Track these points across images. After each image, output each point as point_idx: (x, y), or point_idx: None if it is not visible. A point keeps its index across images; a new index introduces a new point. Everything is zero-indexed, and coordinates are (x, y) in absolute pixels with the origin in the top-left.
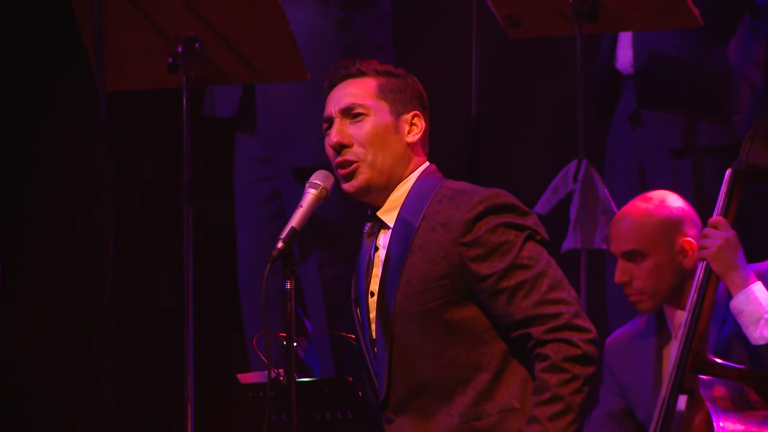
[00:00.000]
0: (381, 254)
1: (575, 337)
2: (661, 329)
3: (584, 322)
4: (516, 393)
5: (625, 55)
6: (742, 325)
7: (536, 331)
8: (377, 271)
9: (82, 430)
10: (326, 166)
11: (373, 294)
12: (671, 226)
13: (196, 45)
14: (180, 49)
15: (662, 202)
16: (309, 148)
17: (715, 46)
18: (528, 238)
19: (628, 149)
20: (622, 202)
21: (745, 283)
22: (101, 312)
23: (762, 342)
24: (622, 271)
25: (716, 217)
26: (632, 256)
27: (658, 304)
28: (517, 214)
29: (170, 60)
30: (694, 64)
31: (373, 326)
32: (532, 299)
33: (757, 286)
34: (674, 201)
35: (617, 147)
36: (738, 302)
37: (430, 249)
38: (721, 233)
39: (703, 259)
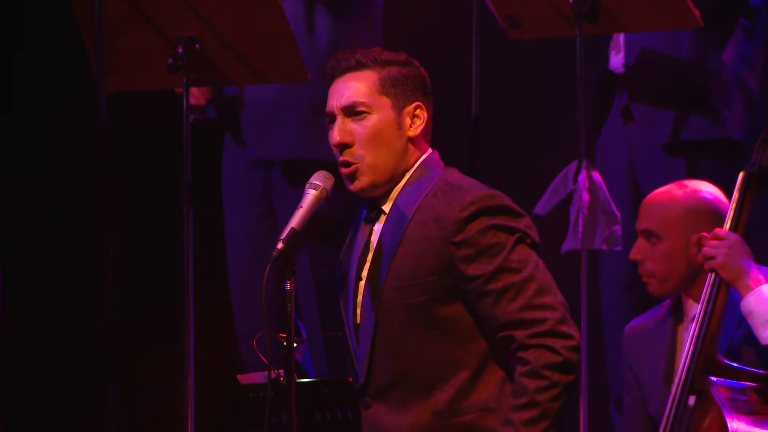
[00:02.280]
0: (374, 240)
1: (558, 343)
2: (676, 318)
3: (569, 328)
4: (493, 393)
5: (616, 54)
6: (752, 326)
7: (520, 334)
8: (370, 257)
9: (82, 430)
10: (306, 160)
11: (361, 278)
12: (693, 216)
13: (197, 46)
14: (180, 50)
15: (695, 192)
16: (289, 141)
17: (708, 46)
18: (518, 242)
19: (618, 149)
20: (613, 200)
21: (755, 285)
22: (101, 312)
23: None
24: (637, 249)
25: (716, 230)
26: (649, 235)
27: (667, 290)
28: (509, 216)
29: (170, 61)
30: (687, 61)
31: (359, 311)
32: (518, 303)
33: (766, 287)
34: (706, 194)
35: (608, 145)
36: (747, 303)
37: (420, 243)
38: (724, 242)
39: (711, 270)
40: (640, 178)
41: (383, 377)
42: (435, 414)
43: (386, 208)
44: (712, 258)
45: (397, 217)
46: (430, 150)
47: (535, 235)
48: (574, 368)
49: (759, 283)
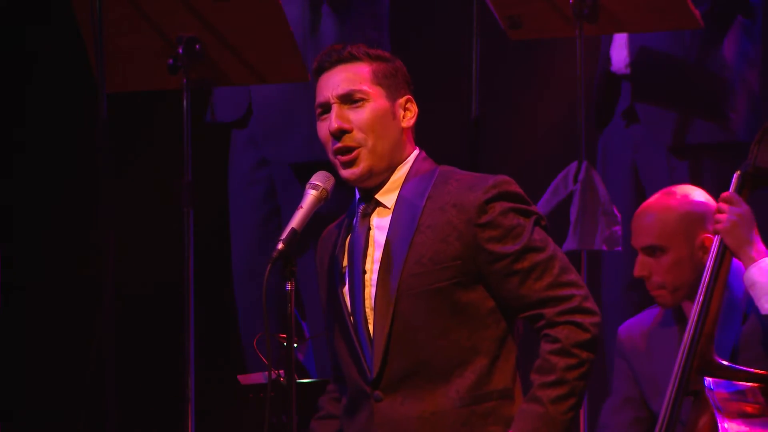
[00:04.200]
0: (375, 233)
1: (586, 320)
2: (679, 321)
3: (592, 305)
4: (509, 382)
5: (619, 55)
6: (754, 297)
7: (549, 312)
8: (371, 251)
9: (82, 430)
10: (320, 162)
11: (365, 272)
12: (692, 221)
13: (197, 46)
14: (180, 51)
15: (685, 196)
16: (302, 143)
17: (709, 45)
18: (536, 223)
19: (621, 148)
20: (615, 201)
21: (759, 257)
22: (101, 312)
23: None
24: (641, 266)
25: (728, 192)
26: (652, 250)
27: (678, 299)
28: (523, 201)
29: (171, 61)
30: (690, 61)
31: (368, 303)
32: (545, 281)
33: None
34: (697, 196)
35: (610, 146)
36: (750, 274)
37: (441, 229)
38: (735, 208)
39: (717, 233)
40: (643, 178)
41: (399, 367)
42: (457, 400)
43: (386, 200)
44: (719, 223)
45: (407, 208)
46: (418, 148)
47: (544, 219)
48: (597, 345)
49: (762, 255)
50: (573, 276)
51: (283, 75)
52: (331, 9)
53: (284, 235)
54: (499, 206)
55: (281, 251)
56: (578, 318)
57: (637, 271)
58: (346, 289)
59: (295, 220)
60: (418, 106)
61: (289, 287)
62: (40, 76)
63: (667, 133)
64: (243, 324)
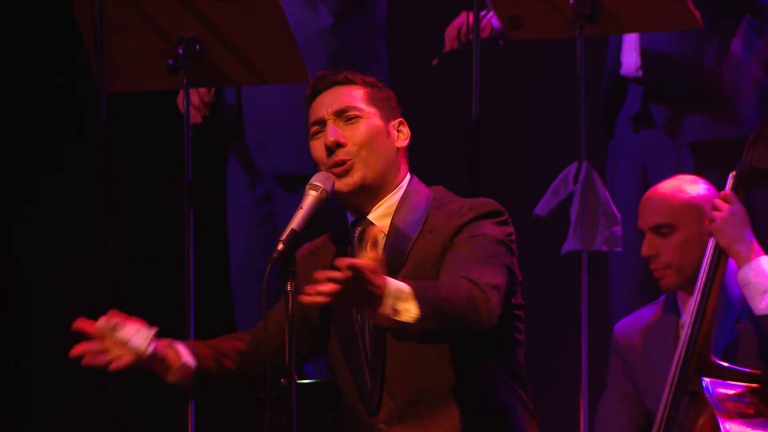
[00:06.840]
0: None
1: (483, 300)
2: (672, 317)
3: (492, 301)
4: (511, 391)
5: (630, 58)
6: (748, 297)
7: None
8: None
9: (82, 429)
10: (310, 173)
11: None
12: (701, 203)
13: (197, 47)
14: (181, 51)
15: (694, 180)
16: (293, 154)
17: (719, 45)
18: (501, 223)
19: (631, 151)
20: (624, 205)
21: (751, 256)
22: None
23: (766, 312)
24: (649, 245)
25: (726, 191)
26: (659, 229)
27: (683, 281)
28: (500, 215)
29: (171, 62)
30: (701, 60)
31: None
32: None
33: (764, 259)
34: (705, 183)
35: (620, 151)
36: (744, 274)
37: (421, 256)
38: (729, 207)
39: (710, 231)
40: (652, 180)
41: (398, 398)
42: (462, 422)
43: (379, 224)
44: (712, 220)
45: (399, 238)
46: (410, 173)
47: (514, 244)
48: (475, 325)
49: (756, 255)
50: (497, 269)
51: (283, 75)
52: (326, 15)
53: (284, 236)
54: (474, 224)
55: (281, 252)
56: (480, 293)
57: (645, 251)
58: (358, 317)
59: (295, 221)
60: (419, 106)
61: (289, 288)
62: (41, 77)
63: (677, 131)
64: (241, 326)
